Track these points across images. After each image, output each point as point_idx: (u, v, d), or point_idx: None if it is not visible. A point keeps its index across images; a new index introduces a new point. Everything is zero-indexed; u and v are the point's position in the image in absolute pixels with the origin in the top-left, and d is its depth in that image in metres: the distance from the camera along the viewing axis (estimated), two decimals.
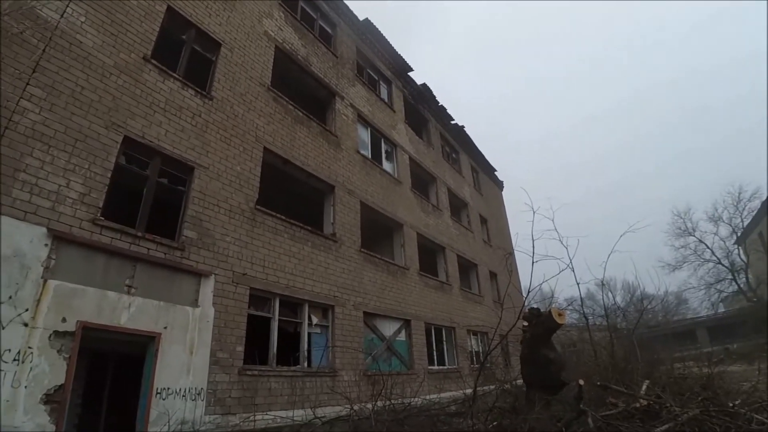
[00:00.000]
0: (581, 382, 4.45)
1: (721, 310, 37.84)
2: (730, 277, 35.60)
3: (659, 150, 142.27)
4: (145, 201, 6.76)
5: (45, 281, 5.07)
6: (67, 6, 6.28)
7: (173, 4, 8.16)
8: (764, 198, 32.62)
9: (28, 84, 5.53)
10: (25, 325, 4.79)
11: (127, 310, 5.82)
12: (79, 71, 6.21)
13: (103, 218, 5.92)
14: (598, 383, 5.61)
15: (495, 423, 5.00)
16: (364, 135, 13.89)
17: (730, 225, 36.21)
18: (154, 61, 7.39)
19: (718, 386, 5.56)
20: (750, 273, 35.07)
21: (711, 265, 36.47)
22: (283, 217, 9.10)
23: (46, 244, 5.20)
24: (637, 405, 4.84)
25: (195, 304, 6.79)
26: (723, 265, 35.78)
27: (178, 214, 7.29)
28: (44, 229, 5.23)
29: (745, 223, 35.36)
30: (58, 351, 4.99)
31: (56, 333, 5.02)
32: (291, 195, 11.69)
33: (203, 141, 7.87)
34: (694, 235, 37.67)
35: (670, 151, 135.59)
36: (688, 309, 44.78)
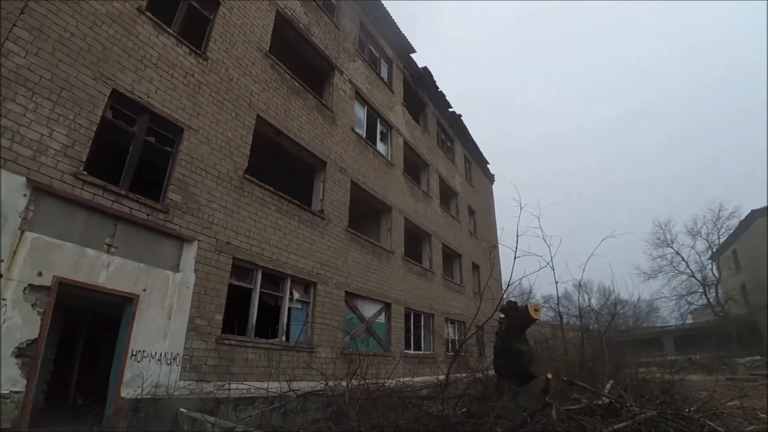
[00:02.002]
0: (549, 376, 4.56)
1: (689, 321, 39.17)
2: (701, 290, 36.79)
3: (653, 164, 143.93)
4: (131, 159, 6.58)
5: (22, 233, 4.93)
6: None
7: None
8: (742, 218, 33.55)
9: (14, 25, 5.25)
10: (0, 276, 4.68)
11: (105, 269, 5.73)
12: (69, 16, 5.91)
13: (85, 173, 5.75)
14: (565, 379, 5.77)
15: (464, 409, 5.12)
16: (361, 113, 13.69)
17: (707, 240, 37.24)
18: (148, 13, 7.08)
19: (677, 392, 5.77)
20: (720, 288, 36.34)
21: (684, 277, 37.62)
22: (271, 189, 8.99)
23: (24, 195, 5.04)
24: (600, 402, 4.98)
25: (176, 268, 6.71)
26: (696, 278, 36.93)
27: (163, 175, 7.12)
28: (23, 179, 5.06)
29: (722, 240, 36.38)
30: (32, 305, 4.90)
31: (31, 287, 4.92)
32: (281, 167, 11.52)
33: (194, 102, 7.66)
34: (671, 247, 38.69)
35: (664, 167, 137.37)
36: (657, 317, 46.31)
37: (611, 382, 6.01)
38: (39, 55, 5.48)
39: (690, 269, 37.23)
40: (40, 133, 5.34)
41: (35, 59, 5.43)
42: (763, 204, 30.86)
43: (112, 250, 5.87)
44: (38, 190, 5.18)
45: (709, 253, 37.32)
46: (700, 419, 4.47)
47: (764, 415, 5.25)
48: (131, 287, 6.01)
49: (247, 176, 8.42)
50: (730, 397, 5.88)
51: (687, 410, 4.76)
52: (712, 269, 37.15)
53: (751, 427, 4.72)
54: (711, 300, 36.23)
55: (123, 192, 6.19)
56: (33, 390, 4.88)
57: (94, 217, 5.77)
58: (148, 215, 6.46)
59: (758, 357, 22.84)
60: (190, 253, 6.97)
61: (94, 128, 5.97)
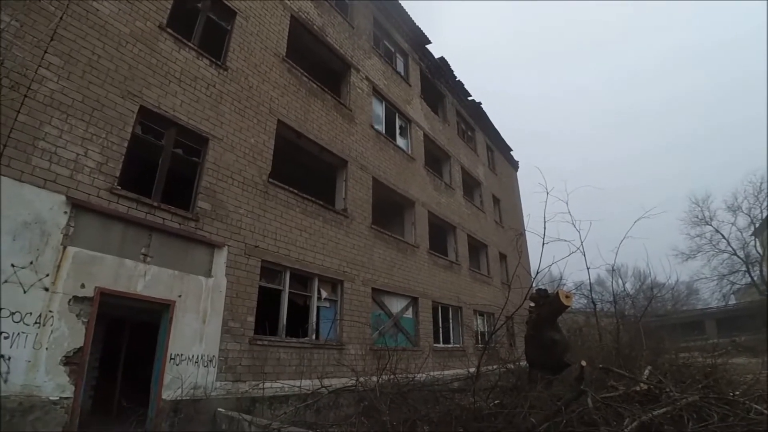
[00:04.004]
0: (584, 363, 4.47)
1: (732, 302, 37.44)
2: (744, 269, 35.06)
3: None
4: (161, 171, 6.86)
5: (64, 248, 5.24)
6: None
7: None
8: None
9: (46, 52, 5.56)
10: (46, 289, 5.00)
11: (143, 278, 6.01)
12: (96, 39, 6.20)
13: (120, 187, 6.04)
14: (601, 366, 5.66)
15: (497, 401, 5.11)
16: (379, 109, 13.71)
17: (749, 215, 35.36)
18: (169, 30, 7.33)
19: (720, 376, 5.56)
20: (765, 265, 34.46)
21: (726, 255, 35.93)
22: (295, 191, 9.16)
23: (65, 212, 5.35)
24: (638, 389, 4.87)
25: (208, 274, 6.96)
26: (738, 256, 35.20)
27: (192, 185, 7.39)
28: (63, 197, 5.37)
29: (765, 214, 34.45)
30: (77, 315, 5.21)
31: (75, 298, 5.23)
32: (303, 169, 11.71)
33: (218, 112, 7.88)
34: (710, 225, 37.02)
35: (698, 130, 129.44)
36: (698, 299, 44.41)
37: (649, 368, 5.86)
38: (70, 78, 5.78)
39: (731, 247, 35.55)
40: (75, 152, 5.64)
41: (67, 83, 5.73)
42: None
43: (148, 259, 6.15)
44: (77, 206, 5.49)
45: (752, 228, 35.44)
46: (745, 403, 4.31)
47: None
48: (167, 294, 6.28)
49: (271, 180, 8.61)
50: None
51: (731, 394, 4.60)
52: (755, 246, 35.29)
53: None
54: (755, 278, 34.46)
55: (155, 203, 6.47)
56: (81, 396, 5.20)
57: (130, 229, 6.06)
58: (179, 224, 6.72)
59: None
60: (221, 258, 7.21)
61: (126, 144, 6.26)
